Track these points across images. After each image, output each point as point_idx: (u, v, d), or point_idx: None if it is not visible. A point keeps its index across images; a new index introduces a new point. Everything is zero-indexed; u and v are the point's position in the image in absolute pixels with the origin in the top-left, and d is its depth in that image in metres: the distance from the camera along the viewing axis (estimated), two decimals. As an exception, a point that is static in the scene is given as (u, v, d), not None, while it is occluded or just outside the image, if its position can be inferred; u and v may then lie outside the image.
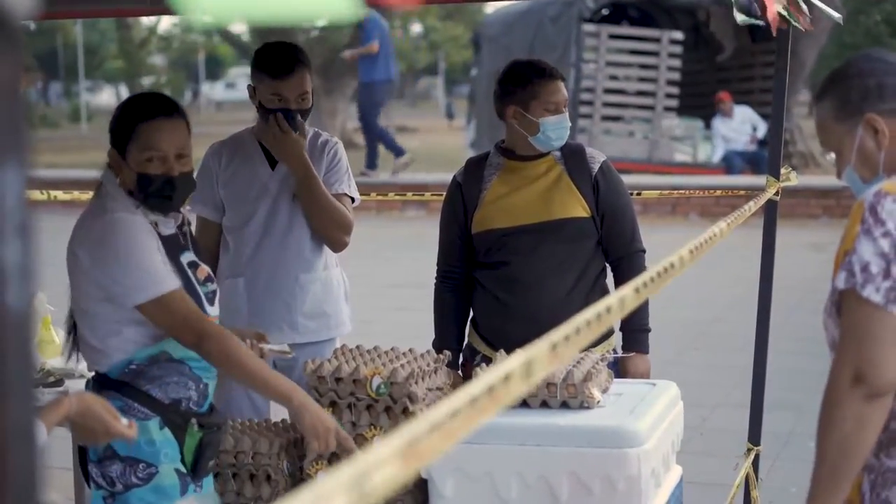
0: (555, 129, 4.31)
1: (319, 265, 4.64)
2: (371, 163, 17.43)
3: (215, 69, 65.78)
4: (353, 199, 4.66)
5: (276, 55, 4.51)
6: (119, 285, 3.40)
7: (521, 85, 4.35)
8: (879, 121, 2.76)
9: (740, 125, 20.41)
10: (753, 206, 3.95)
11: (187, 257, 3.59)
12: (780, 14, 3.96)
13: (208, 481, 3.68)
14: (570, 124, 4.37)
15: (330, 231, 4.57)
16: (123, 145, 3.51)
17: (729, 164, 20.28)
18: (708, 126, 21.16)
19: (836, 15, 4.66)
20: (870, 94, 2.77)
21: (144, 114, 3.52)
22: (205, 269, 3.64)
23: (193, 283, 3.55)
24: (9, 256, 0.83)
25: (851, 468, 2.68)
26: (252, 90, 4.56)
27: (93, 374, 3.63)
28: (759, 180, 4.73)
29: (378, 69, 17.26)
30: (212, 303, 3.61)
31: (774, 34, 3.89)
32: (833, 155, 2.90)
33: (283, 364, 4.36)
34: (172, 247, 3.55)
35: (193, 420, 3.54)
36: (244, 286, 4.57)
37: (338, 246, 4.64)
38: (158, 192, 3.50)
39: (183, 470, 3.53)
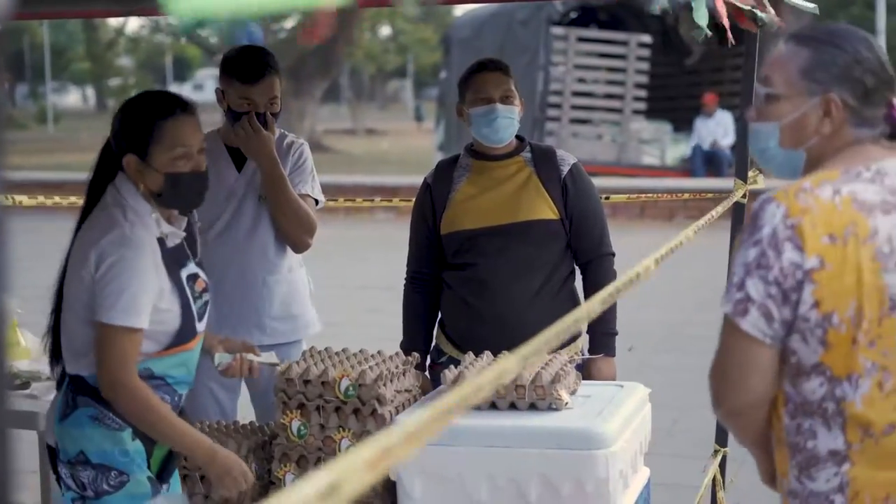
0: (483, 120, 4.31)
1: (284, 267, 4.64)
2: None
3: (183, 71, 65.50)
4: (316, 202, 4.65)
5: (246, 60, 4.50)
6: (100, 296, 3.34)
7: (463, 80, 4.40)
8: (837, 107, 2.58)
9: (714, 127, 20.49)
10: (721, 209, 3.97)
11: (188, 270, 3.52)
12: (747, 15, 3.96)
13: (175, 481, 3.67)
14: (508, 116, 4.32)
15: (294, 231, 4.56)
16: (144, 148, 3.40)
17: (692, 161, 20.43)
18: (676, 129, 21.24)
19: (809, 5, 4.66)
20: (847, 80, 2.59)
21: (162, 111, 3.42)
22: (202, 282, 3.59)
23: (189, 300, 3.49)
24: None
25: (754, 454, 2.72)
26: (221, 93, 4.55)
27: (70, 374, 3.54)
28: (727, 183, 4.74)
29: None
30: (201, 318, 3.57)
31: (734, 42, 3.88)
32: (764, 90, 2.66)
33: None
34: (176, 260, 3.48)
35: None
36: (211, 289, 4.55)
37: (301, 247, 4.63)
38: (191, 189, 3.46)
39: (153, 478, 3.51)
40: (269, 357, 3.91)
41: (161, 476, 3.56)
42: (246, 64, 4.49)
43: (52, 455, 3.56)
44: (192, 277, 3.53)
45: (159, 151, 3.39)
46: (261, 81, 4.45)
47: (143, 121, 3.41)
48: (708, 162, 20.50)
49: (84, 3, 5.37)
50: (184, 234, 3.53)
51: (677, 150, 20.99)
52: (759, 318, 2.48)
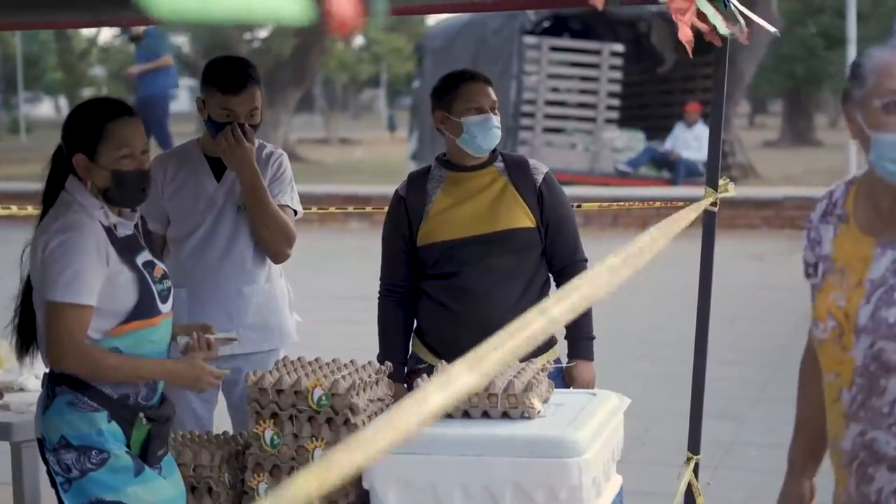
0: (479, 129, 4.33)
1: (262, 277, 4.64)
2: None
3: (156, 81, 65.24)
4: (295, 212, 4.66)
5: (227, 70, 4.51)
6: (46, 277, 3.56)
7: (446, 90, 4.41)
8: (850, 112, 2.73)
9: (692, 140, 20.52)
10: (687, 213, 3.98)
11: (143, 257, 3.71)
12: (711, 28, 3.98)
13: (172, 471, 3.75)
14: (498, 126, 4.38)
15: (273, 242, 4.57)
16: (93, 147, 3.63)
17: (648, 157, 20.57)
18: (649, 137, 21.30)
19: (772, 29, 4.71)
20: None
21: (109, 114, 3.67)
22: (160, 268, 3.78)
23: (148, 282, 3.68)
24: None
25: None
26: (201, 103, 4.55)
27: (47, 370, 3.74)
28: (700, 191, 4.76)
29: (168, 82, 16.87)
30: (165, 301, 3.75)
31: (692, 55, 3.90)
32: (884, 100, 2.69)
33: (228, 378, 4.33)
34: (129, 248, 3.68)
35: (141, 414, 3.66)
36: (186, 296, 4.56)
37: (279, 257, 4.64)
38: (134, 186, 3.67)
39: (134, 454, 3.66)
40: (227, 334, 4.06)
41: (146, 458, 3.67)
42: (228, 74, 4.50)
43: (40, 447, 3.73)
44: (149, 264, 3.74)
45: (106, 150, 3.64)
46: (242, 92, 4.46)
47: (93, 123, 3.66)
48: (660, 165, 20.66)
49: (55, 13, 5.37)
50: (133, 226, 3.74)
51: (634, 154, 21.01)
52: None
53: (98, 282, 3.56)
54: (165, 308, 3.74)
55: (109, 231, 3.64)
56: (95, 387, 3.60)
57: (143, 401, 3.68)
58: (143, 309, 3.65)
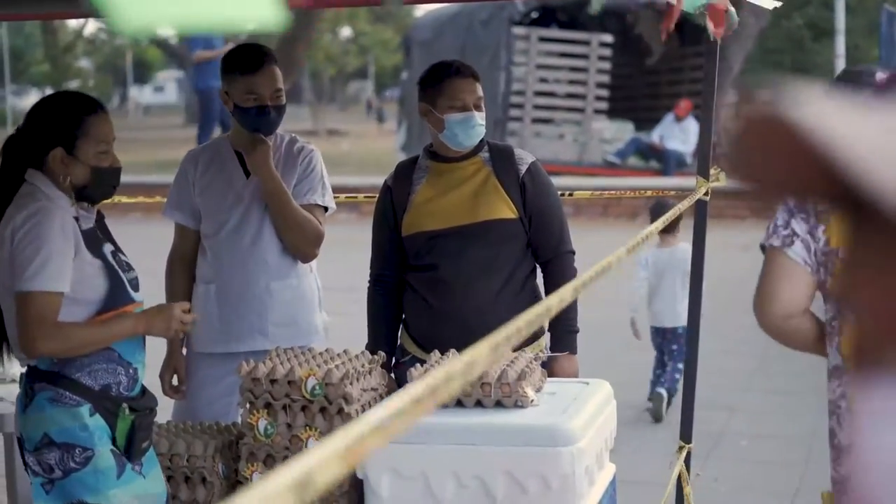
0: (460, 127, 4.32)
1: (291, 274, 4.59)
2: None
3: (143, 73, 65.13)
4: (326, 209, 4.63)
5: (245, 53, 4.51)
6: (16, 268, 3.51)
7: (431, 83, 4.40)
8: None
9: (679, 132, 20.53)
10: (684, 205, 4.00)
11: (108, 248, 3.70)
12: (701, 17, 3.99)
13: (152, 466, 3.72)
14: (481, 124, 4.36)
15: (297, 243, 4.53)
16: (72, 142, 3.58)
17: (634, 147, 20.66)
18: (638, 128, 21.33)
19: (769, 4, 4.68)
20: None
21: (86, 108, 3.63)
22: (125, 259, 3.76)
23: (116, 270, 3.67)
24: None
25: None
26: (225, 95, 4.51)
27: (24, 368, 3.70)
28: (690, 181, 4.77)
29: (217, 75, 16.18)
30: (136, 289, 3.74)
31: (664, 38, 3.91)
32: None
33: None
34: (94, 240, 3.65)
35: (125, 405, 3.63)
36: (215, 293, 4.54)
37: (306, 257, 4.59)
38: (109, 182, 3.67)
39: (118, 452, 3.61)
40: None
41: (129, 452, 3.63)
42: (246, 56, 4.49)
43: (20, 448, 3.68)
44: (115, 253, 3.72)
45: (87, 145, 3.61)
46: (263, 69, 4.44)
47: (71, 116, 3.61)
48: (646, 155, 20.76)
49: (41, 5, 5.35)
50: (94, 220, 3.71)
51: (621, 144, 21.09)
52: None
53: (68, 268, 3.52)
54: (138, 297, 3.73)
55: (76, 221, 3.61)
56: (75, 379, 3.56)
57: (124, 391, 3.65)
58: (115, 297, 3.63)
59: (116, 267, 3.66)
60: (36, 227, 3.50)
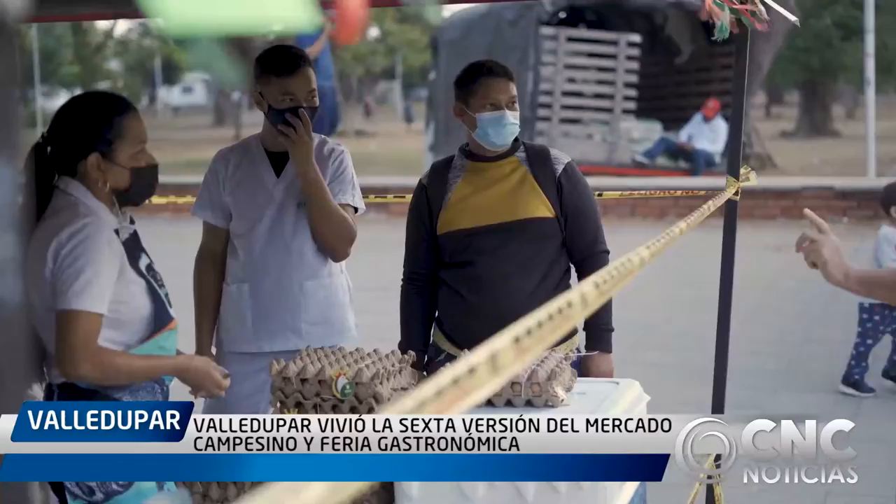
0: (492, 126, 4.34)
1: (324, 272, 4.61)
2: None
3: (172, 74, 65.35)
4: (356, 209, 4.63)
5: (281, 54, 4.51)
6: (58, 285, 3.38)
7: (465, 83, 4.42)
8: None
9: (708, 132, 20.51)
10: (713, 205, 3.99)
11: (144, 261, 3.60)
12: (733, 17, 3.99)
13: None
14: (514, 123, 4.38)
15: (332, 240, 4.53)
16: (108, 144, 3.47)
17: (663, 147, 20.63)
18: (666, 128, 21.30)
19: (792, 17, 4.71)
20: None
21: (117, 108, 3.51)
22: (158, 274, 3.66)
23: (155, 287, 3.57)
24: (1, 251, 0.84)
25: None
26: (259, 96, 4.51)
27: (56, 385, 3.56)
28: (719, 181, 4.76)
29: (328, 72, 16.03)
30: (170, 305, 3.64)
31: (712, 37, 3.92)
32: None
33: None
34: (132, 250, 3.55)
35: None
36: (249, 292, 4.56)
37: (339, 255, 4.60)
38: (149, 182, 3.57)
39: None
40: None
41: None
42: (281, 57, 4.49)
43: None
44: (150, 268, 3.61)
45: (125, 146, 3.48)
46: (298, 72, 4.44)
47: (102, 119, 3.48)
48: (675, 155, 20.73)
49: (75, 6, 5.37)
50: (133, 228, 3.61)
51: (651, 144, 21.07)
52: None
53: (110, 290, 3.40)
54: (173, 313, 3.64)
55: (117, 234, 3.51)
56: (117, 399, 3.45)
57: None
58: (159, 318, 3.55)
59: (154, 283, 3.57)
60: (82, 244, 3.37)
